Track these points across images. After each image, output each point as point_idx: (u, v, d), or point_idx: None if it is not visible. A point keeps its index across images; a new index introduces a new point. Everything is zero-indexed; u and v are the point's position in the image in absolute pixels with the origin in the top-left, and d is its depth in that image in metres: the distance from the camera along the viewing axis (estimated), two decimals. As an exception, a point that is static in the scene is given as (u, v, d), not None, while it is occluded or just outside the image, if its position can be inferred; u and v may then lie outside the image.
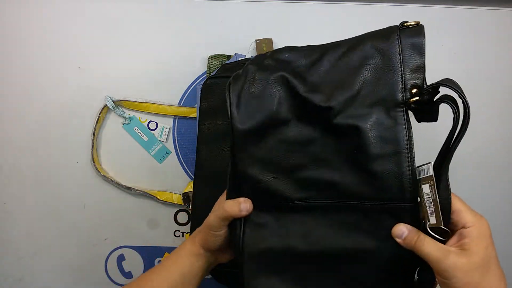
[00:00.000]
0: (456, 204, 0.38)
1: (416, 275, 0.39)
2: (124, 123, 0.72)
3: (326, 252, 0.41)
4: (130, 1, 0.72)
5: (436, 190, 0.36)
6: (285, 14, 0.72)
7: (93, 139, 0.71)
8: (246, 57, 0.68)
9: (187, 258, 0.49)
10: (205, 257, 0.49)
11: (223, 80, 0.63)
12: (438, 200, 0.36)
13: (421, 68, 0.38)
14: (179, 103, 0.72)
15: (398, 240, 0.38)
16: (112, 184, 0.72)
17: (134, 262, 0.74)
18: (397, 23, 0.74)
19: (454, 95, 0.38)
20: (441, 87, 0.38)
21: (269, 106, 0.42)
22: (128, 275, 0.74)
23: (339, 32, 0.73)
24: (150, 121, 0.73)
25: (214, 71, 0.68)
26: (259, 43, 0.70)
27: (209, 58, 0.70)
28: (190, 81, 0.72)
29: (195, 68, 0.72)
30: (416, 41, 0.38)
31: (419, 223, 0.38)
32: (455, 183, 0.74)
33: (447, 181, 0.37)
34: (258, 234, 0.43)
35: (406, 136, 0.38)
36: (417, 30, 0.39)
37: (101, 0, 0.71)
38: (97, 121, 0.71)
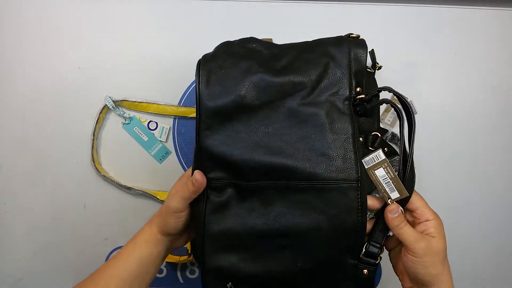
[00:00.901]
0: (420, 201, 0.46)
1: (364, 248, 0.46)
2: (124, 123, 0.72)
3: (283, 230, 0.45)
4: (130, 1, 0.72)
5: (392, 170, 0.44)
6: (285, 14, 0.72)
7: (93, 139, 0.71)
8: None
9: (145, 245, 0.50)
10: (162, 242, 0.50)
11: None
12: (397, 177, 0.44)
13: (362, 72, 0.47)
14: (179, 103, 0.72)
15: (389, 215, 0.44)
16: (112, 184, 0.72)
17: (134, 262, 0.74)
18: (397, 23, 0.74)
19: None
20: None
21: (237, 90, 0.46)
22: (128, 275, 0.74)
23: (339, 32, 0.73)
24: (150, 121, 0.73)
25: (214, 71, 0.68)
26: (259, 43, 0.70)
27: (209, 58, 0.69)
28: (190, 81, 0.72)
29: (195, 68, 0.72)
30: (360, 51, 0.47)
31: (364, 199, 0.45)
32: (456, 182, 0.74)
33: (412, 163, 0.45)
34: (219, 214, 0.47)
35: (351, 124, 0.45)
36: (361, 42, 0.48)
37: (101, 0, 0.71)
38: (97, 121, 0.71)
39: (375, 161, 0.45)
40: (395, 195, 0.45)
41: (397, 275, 0.48)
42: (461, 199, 0.75)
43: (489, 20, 0.73)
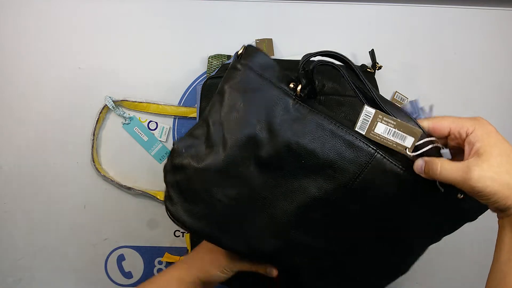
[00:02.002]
0: (446, 119, 0.38)
1: (439, 185, 0.39)
2: (124, 123, 0.72)
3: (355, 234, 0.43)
4: (130, 1, 0.72)
5: (391, 117, 0.38)
6: (285, 14, 0.72)
7: (93, 139, 0.71)
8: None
9: (182, 283, 0.48)
10: (194, 285, 0.49)
11: (223, 80, 0.63)
12: (400, 121, 0.38)
13: (278, 69, 0.41)
14: (179, 103, 0.72)
15: (422, 175, 0.38)
16: (112, 184, 0.72)
17: (134, 262, 0.74)
18: (397, 23, 0.74)
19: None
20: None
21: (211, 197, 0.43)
22: (128, 275, 0.74)
23: (339, 32, 0.74)
24: (150, 121, 0.73)
25: (214, 71, 0.68)
26: (259, 43, 0.70)
27: (209, 58, 0.70)
28: (190, 81, 0.72)
29: (195, 68, 0.72)
30: (259, 58, 0.42)
31: (395, 156, 0.39)
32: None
33: (391, 103, 0.39)
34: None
35: (321, 115, 0.40)
36: (251, 51, 0.42)
37: (102, 0, 0.71)
38: (97, 121, 0.71)
39: (368, 121, 0.38)
40: (410, 141, 0.38)
41: None
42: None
43: (489, 20, 0.73)
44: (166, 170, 0.46)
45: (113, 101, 0.71)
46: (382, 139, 0.38)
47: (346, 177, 0.40)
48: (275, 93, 0.41)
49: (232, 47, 0.71)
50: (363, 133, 0.39)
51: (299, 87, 0.40)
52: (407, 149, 0.38)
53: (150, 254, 0.74)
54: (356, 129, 0.39)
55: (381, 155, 0.39)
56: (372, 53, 0.68)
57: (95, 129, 0.71)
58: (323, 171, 0.40)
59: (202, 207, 0.43)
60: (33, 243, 0.73)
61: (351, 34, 0.74)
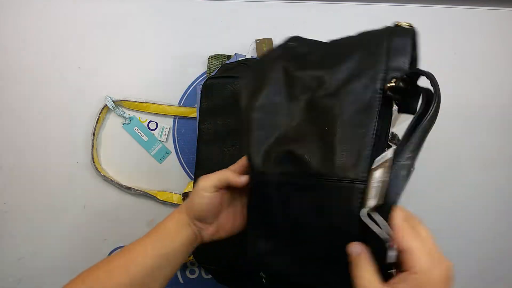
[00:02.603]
0: (414, 241, 0.31)
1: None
2: (124, 123, 0.72)
3: (300, 226, 0.42)
4: (130, 1, 0.72)
5: (388, 173, 0.35)
6: (285, 14, 0.72)
7: (93, 139, 0.71)
8: (246, 57, 0.68)
9: (175, 226, 0.48)
10: (190, 226, 0.48)
11: (223, 80, 0.63)
12: (387, 181, 0.34)
13: (403, 67, 0.40)
14: (179, 103, 0.72)
15: (348, 249, 0.36)
16: (112, 184, 0.72)
17: (134, 262, 0.74)
18: (397, 24, 0.74)
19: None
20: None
21: (264, 84, 0.45)
22: (128, 275, 0.74)
23: (339, 32, 0.74)
24: (150, 121, 0.73)
25: (214, 71, 0.68)
26: (259, 43, 0.70)
27: (209, 58, 0.70)
28: (190, 81, 0.72)
29: (195, 68, 0.72)
30: (401, 42, 0.42)
31: (363, 205, 0.36)
32: (454, 182, 0.74)
33: (409, 166, 0.35)
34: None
35: (374, 119, 0.39)
36: (406, 30, 0.43)
37: (101, 0, 0.71)
38: (97, 121, 0.71)
39: (380, 161, 0.36)
40: (371, 202, 0.35)
41: None
42: (459, 200, 0.75)
43: (489, 20, 0.73)
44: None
45: (113, 101, 0.71)
46: (370, 182, 0.36)
47: (328, 174, 0.39)
48: (380, 68, 0.40)
49: (232, 47, 0.71)
50: (373, 166, 0.37)
51: (391, 84, 0.39)
52: (366, 204, 0.36)
53: (150, 254, 0.74)
54: (376, 159, 0.37)
55: (361, 189, 0.37)
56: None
57: (95, 129, 0.71)
58: (326, 149, 0.40)
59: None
60: (33, 243, 0.73)
61: (351, 34, 0.73)
